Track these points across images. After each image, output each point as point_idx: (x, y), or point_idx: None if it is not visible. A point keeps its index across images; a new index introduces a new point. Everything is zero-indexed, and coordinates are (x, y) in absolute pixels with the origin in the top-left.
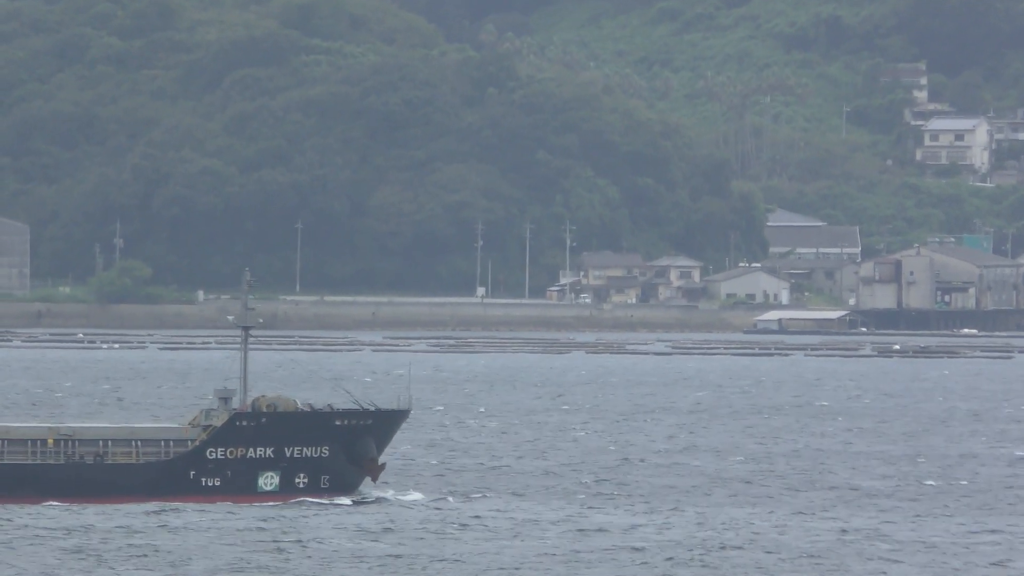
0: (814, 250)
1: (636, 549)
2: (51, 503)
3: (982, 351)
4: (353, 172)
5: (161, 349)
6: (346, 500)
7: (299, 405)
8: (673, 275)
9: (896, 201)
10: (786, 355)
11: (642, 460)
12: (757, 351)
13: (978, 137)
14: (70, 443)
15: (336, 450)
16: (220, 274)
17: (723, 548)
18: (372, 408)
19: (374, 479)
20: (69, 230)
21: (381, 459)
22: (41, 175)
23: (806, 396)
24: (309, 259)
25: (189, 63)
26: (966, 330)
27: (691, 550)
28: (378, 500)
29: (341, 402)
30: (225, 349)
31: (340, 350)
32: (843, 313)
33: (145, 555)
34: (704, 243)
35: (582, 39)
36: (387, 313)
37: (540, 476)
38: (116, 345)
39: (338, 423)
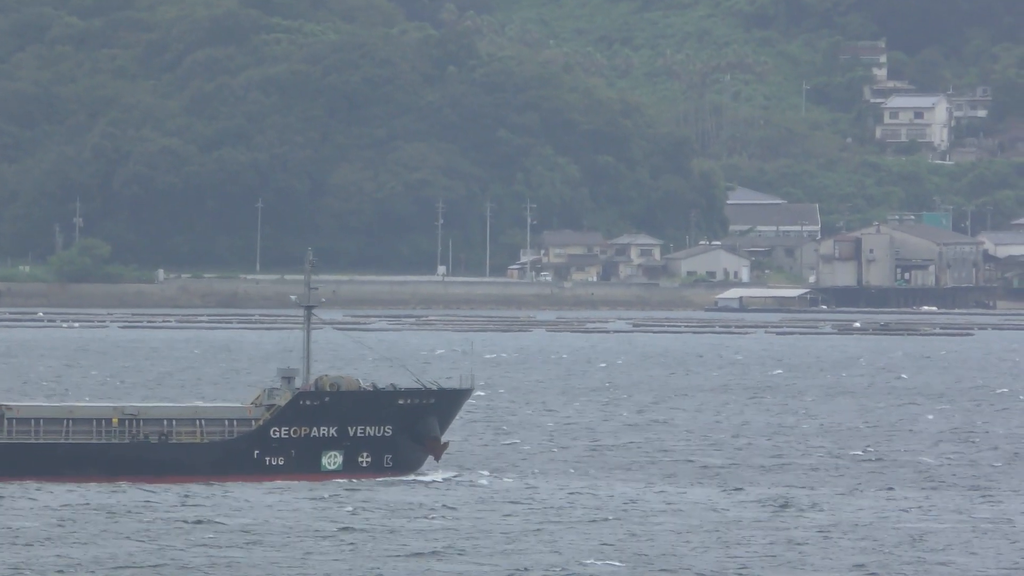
0: (774, 228)
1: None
2: (118, 482)
3: (942, 328)
4: (313, 151)
5: (121, 328)
6: (408, 479)
7: (362, 384)
8: (634, 253)
9: (856, 179)
10: (747, 333)
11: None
12: (718, 328)
13: (937, 115)
14: (135, 422)
15: (399, 429)
16: (180, 253)
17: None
18: (435, 387)
19: (437, 458)
20: (29, 209)
21: (443, 438)
22: (1, 154)
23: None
24: (269, 238)
25: (149, 42)
26: (926, 308)
27: None
28: (440, 479)
29: (403, 381)
30: (186, 328)
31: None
32: (803, 291)
33: (214, 534)
34: (664, 221)
35: (542, 17)
36: (348, 291)
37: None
38: (76, 324)
39: (401, 402)
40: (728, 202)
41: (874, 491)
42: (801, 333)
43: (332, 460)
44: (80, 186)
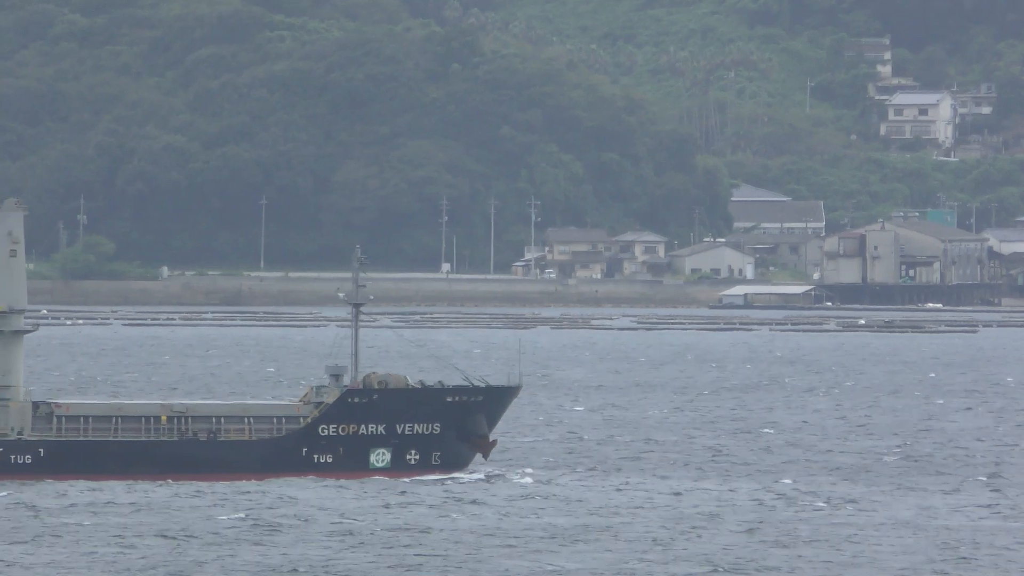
0: (778, 225)
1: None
2: (166, 480)
3: (947, 325)
4: (317, 148)
5: (125, 325)
6: (457, 477)
7: (410, 382)
8: (638, 250)
9: (860, 176)
10: (751, 330)
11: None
12: (723, 326)
13: (942, 112)
14: (183, 420)
15: (447, 427)
16: (184, 250)
17: None
18: (483, 385)
19: (485, 456)
20: (33, 206)
21: (492, 436)
22: (4, 151)
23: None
24: (273, 235)
25: (153, 39)
26: (930, 304)
27: None
28: (488, 477)
29: (452, 379)
30: (192, 326)
31: (305, 326)
32: (808, 288)
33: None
34: (668, 218)
35: (546, 14)
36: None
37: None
38: (80, 321)
39: (449, 400)
40: (732, 199)
41: None
42: (806, 330)
43: (380, 458)
44: (84, 183)
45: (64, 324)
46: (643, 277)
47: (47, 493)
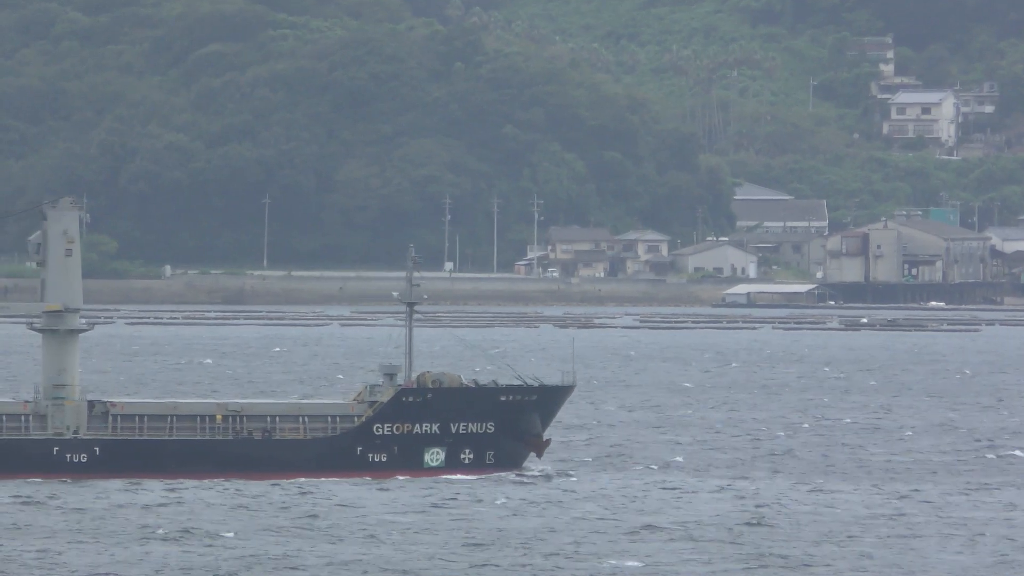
0: (781, 224)
1: None
2: (221, 479)
3: (949, 324)
4: (320, 147)
5: (128, 324)
6: (511, 476)
7: (464, 381)
8: (641, 249)
9: (863, 175)
10: (756, 328)
11: None
12: (726, 324)
13: (944, 110)
14: (238, 419)
15: (501, 426)
16: (186, 249)
17: None
18: (537, 384)
19: (539, 455)
20: (36, 205)
21: (545, 435)
22: (7, 150)
23: None
24: (276, 234)
25: (155, 38)
26: (933, 303)
27: None
28: (543, 476)
29: (505, 378)
30: (196, 325)
31: (308, 324)
32: (811, 286)
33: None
34: (671, 217)
35: (549, 13)
36: (354, 288)
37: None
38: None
39: (503, 399)
40: (735, 198)
41: None
42: (808, 329)
43: (434, 457)
44: (86, 182)
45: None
46: (646, 276)
47: (103, 491)
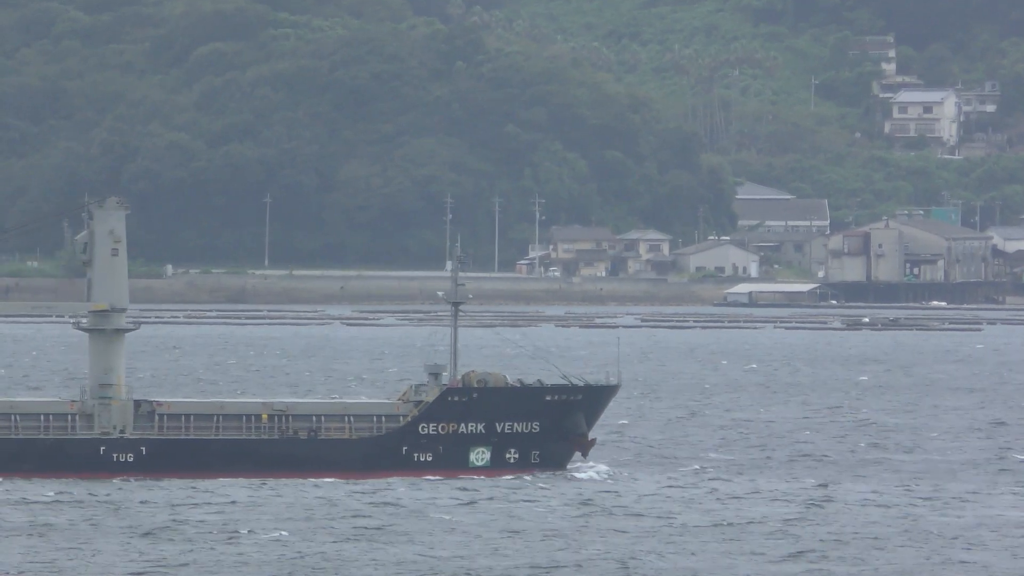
0: (783, 223)
1: None
2: (267, 478)
3: (951, 323)
4: (321, 146)
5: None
6: (556, 475)
7: (509, 380)
8: (642, 248)
9: (864, 174)
10: (757, 328)
11: None
12: (727, 324)
13: (946, 110)
14: (284, 418)
15: (547, 425)
16: (188, 248)
17: None
18: (582, 383)
19: (584, 455)
20: (37, 204)
21: (591, 434)
22: (8, 150)
23: None
24: (277, 233)
25: (157, 37)
26: (935, 302)
27: None
28: (588, 476)
29: (550, 377)
30: (200, 324)
31: (310, 324)
32: (813, 286)
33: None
34: (673, 216)
35: (550, 12)
36: (356, 287)
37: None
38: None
39: (548, 398)
40: (736, 197)
41: None
42: (810, 328)
43: (480, 456)
44: (88, 181)
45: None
46: (647, 275)
47: (152, 491)
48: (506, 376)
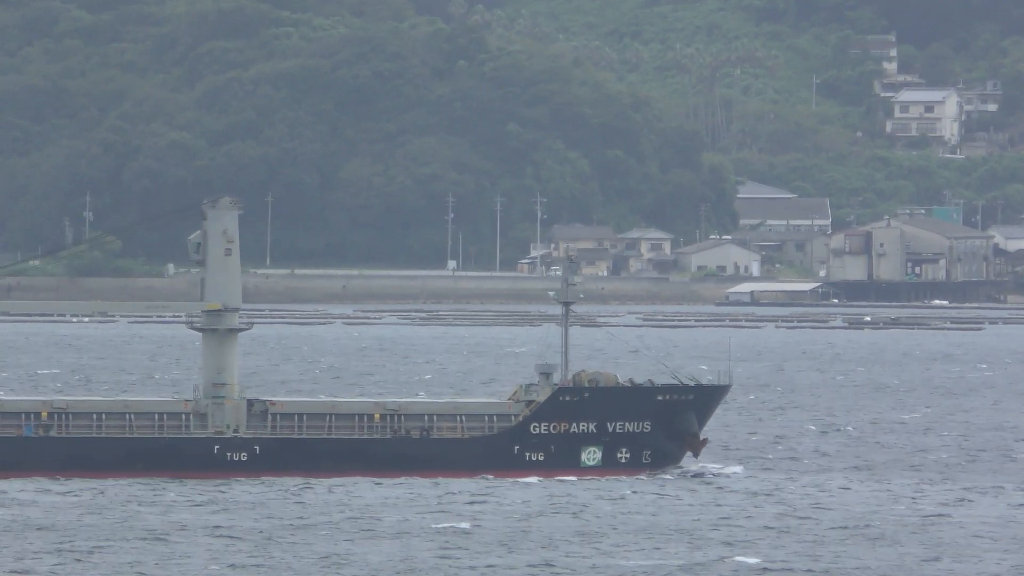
0: (784, 222)
1: None
2: (380, 477)
3: (952, 322)
4: (323, 145)
5: (131, 323)
6: (667, 475)
7: (620, 380)
8: (644, 247)
9: (866, 173)
10: (759, 327)
11: None
12: (728, 323)
13: (948, 109)
14: (396, 418)
15: (658, 425)
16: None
17: None
18: (693, 383)
19: (696, 455)
20: (39, 203)
21: (702, 434)
22: (10, 148)
23: None
24: (280, 232)
25: (158, 36)
26: (936, 301)
27: None
28: (700, 476)
29: (661, 377)
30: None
31: (312, 323)
32: (814, 285)
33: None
34: (674, 215)
35: (552, 11)
36: (358, 286)
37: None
38: (86, 319)
39: (660, 398)
40: (738, 196)
41: None
42: (812, 327)
43: (591, 456)
44: (90, 180)
45: (70, 322)
46: (649, 274)
47: (268, 490)
48: (617, 375)
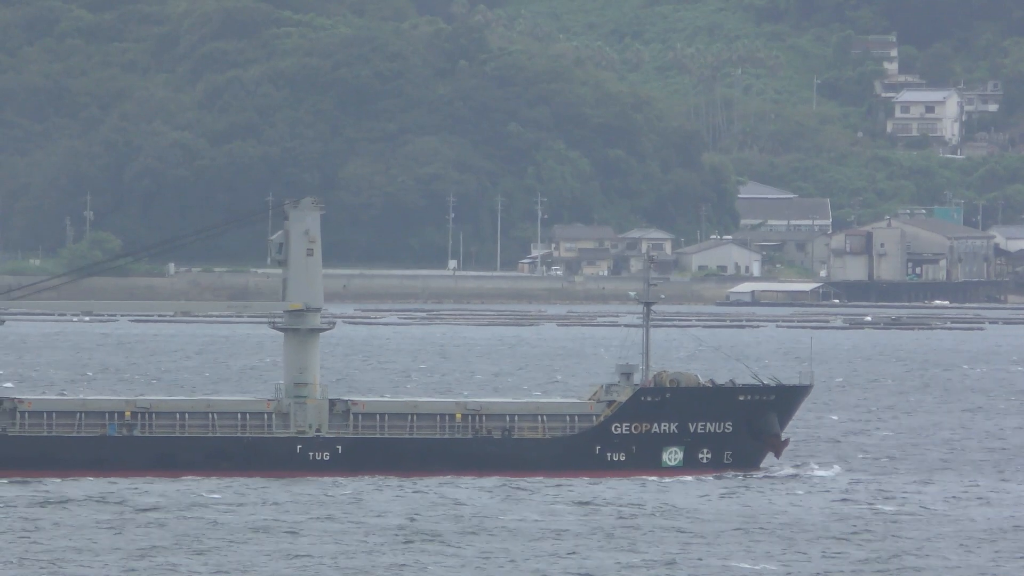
0: (785, 222)
1: None
2: (461, 476)
3: (953, 322)
4: (324, 145)
5: (132, 322)
6: (749, 476)
7: (701, 380)
8: (644, 247)
9: (867, 173)
10: (759, 327)
11: None
12: (729, 323)
13: (948, 109)
14: (478, 418)
15: (739, 426)
16: (190, 247)
17: None
18: (774, 384)
19: (777, 455)
20: (40, 202)
21: (783, 435)
22: (12, 147)
23: None
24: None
25: (160, 36)
26: (937, 301)
27: None
28: (781, 475)
29: (742, 378)
30: (199, 323)
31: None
32: (815, 285)
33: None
34: (675, 215)
35: (553, 11)
36: (359, 285)
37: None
38: (87, 318)
39: (741, 399)
40: (739, 196)
41: None
42: (813, 327)
43: (672, 456)
44: (91, 179)
45: (71, 321)
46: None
47: (347, 489)
48: (698, 376)
